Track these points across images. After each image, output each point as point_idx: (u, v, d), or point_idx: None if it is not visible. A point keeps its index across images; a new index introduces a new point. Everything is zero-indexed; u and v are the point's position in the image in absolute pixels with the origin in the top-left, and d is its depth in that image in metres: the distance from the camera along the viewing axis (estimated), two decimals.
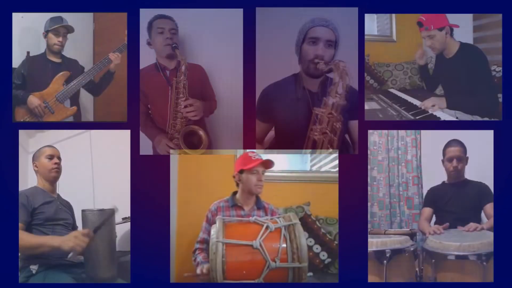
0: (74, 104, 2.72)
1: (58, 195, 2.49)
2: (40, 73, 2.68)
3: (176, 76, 2.44)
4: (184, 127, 2.44)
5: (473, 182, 2.74)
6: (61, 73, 2.68)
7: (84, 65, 2.77)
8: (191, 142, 2.45)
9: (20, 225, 2.24)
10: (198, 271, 2.21)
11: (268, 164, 2.42)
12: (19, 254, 2.31)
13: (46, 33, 2.66)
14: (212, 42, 2.65)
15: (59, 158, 2.48)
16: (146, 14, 2.53)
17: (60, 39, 2.69)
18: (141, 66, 2.58)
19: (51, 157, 2.45)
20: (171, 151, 2.46)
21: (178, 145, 2.46)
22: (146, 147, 2.53)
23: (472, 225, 2.50)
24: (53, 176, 2.45)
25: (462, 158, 2.72)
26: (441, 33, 2.60)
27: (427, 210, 2.78)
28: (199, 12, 2.55)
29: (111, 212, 2.28)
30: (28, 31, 2.67)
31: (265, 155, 2.47)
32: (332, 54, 2.18)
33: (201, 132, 2.43)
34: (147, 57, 2.58)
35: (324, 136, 2.05)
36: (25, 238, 2.20)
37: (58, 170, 2.46)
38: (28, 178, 2.61)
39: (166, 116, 2.50)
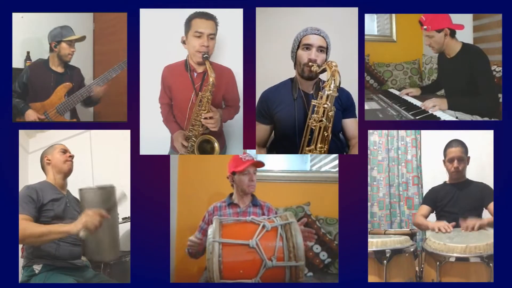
0: (74, 116, 2.72)
1: (68, 191, 2.43)
2: (42, 83, 2.67)
3: (202, 89, 2.44)
4: (201, 135, 2.45)
5: (475, 183, 2.71)
6: (63, 84, 2.68)
7: (85, 73, 2.76)
8: (204, 148, 2.46)
9: (28, 217, 2.17)
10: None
11: (258, 165, 2.51)
12: (25, 249, 2.28)
13: (57, 43, 2.65)
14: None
15: (71, 154, 2.46)
16: (183, 13, 2.44)
17: (74, 49, 2.69)
18: (172, 61, 2.56)
19: (64, 152, 2.41)
20: (183, 150, 2.47)
21: (192, 146, 2.46)
22: (147, 147, 2.51)
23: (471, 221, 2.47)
24: (67, 169, 2.39)
25: (463, 159, 2.68)
26: (439, 35, 2.59)
27: (425, 208, 2.74)
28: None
29: (122, 194, 2.24)
30: (29, 32, 2.68)
31: (264, 156, 2.49)
32: (324, 58, 2.30)
33: (216, 144, 2.45)
34: (180, 52, 2.53)
35: (320, 123, 2.21)
36: (33, 227, 2.13)
37: (72, 163, 2.42)
38: (28, 178, 2.63)
39: (185, 113, 2.51)
